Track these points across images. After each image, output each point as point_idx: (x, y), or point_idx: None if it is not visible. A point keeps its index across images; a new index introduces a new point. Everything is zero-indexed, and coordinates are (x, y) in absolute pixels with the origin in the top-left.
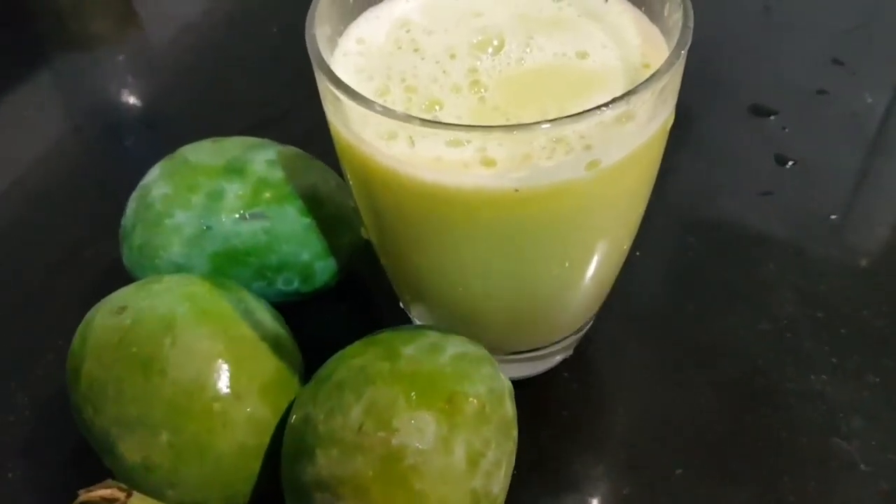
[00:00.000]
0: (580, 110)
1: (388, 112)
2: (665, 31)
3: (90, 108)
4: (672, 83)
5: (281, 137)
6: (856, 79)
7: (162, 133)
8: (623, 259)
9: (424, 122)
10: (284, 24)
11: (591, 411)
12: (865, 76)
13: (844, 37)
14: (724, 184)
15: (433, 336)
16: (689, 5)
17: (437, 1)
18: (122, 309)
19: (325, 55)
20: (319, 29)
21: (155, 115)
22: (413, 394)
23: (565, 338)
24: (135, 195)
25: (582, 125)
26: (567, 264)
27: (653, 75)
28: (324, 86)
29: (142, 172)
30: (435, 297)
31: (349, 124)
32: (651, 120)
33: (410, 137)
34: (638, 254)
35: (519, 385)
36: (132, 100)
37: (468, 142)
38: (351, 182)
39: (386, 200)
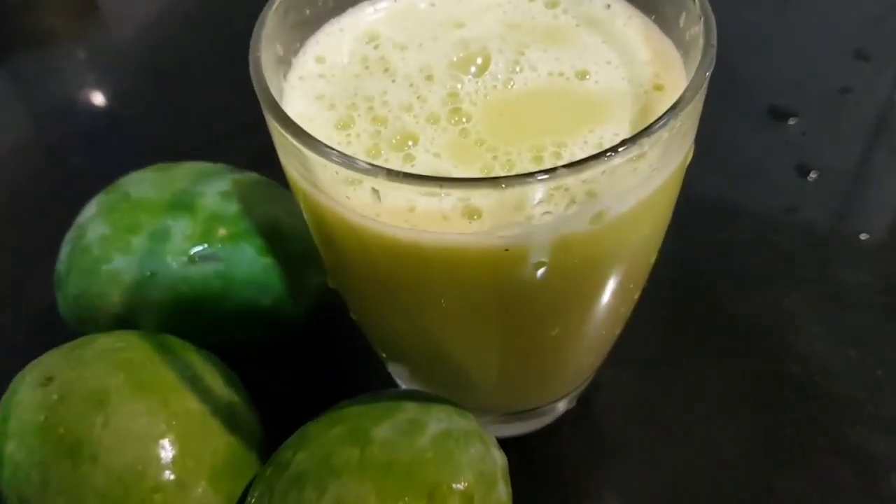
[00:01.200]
0: (583, 153)
1: (347, 161)
2: (681, 45)
3: (41, 114)
4: (693, 114)
5: (245, 149)
6: (883, 75)
7: (116, 144)
8: (633, 306)
9: (392, 174)
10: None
11: (596, 470)
12: (894, 71)
13: (869, 26)
14: (741, 201)
15: (411, 410)
16: (711, 16)
17: (410, 9)
18: (49, 380)
19: (274, 82)
20: (267, 50)
21: (110, 124)
22: (387, 489)
23: (567, 393)
24: (69, 236)
25: (586, 174)
26: (568, 323)
27: (671, 109)
28: (272, 124)
29: (93, 192)
30: (415, 359)
31: (304, 170)
32: (668, 159)
33: (375, 189)
34: (646, 288)
35: (515, 442)
36: (86, 107)
37: (447, 194)
38: (312, 233)
39: (352, 256)
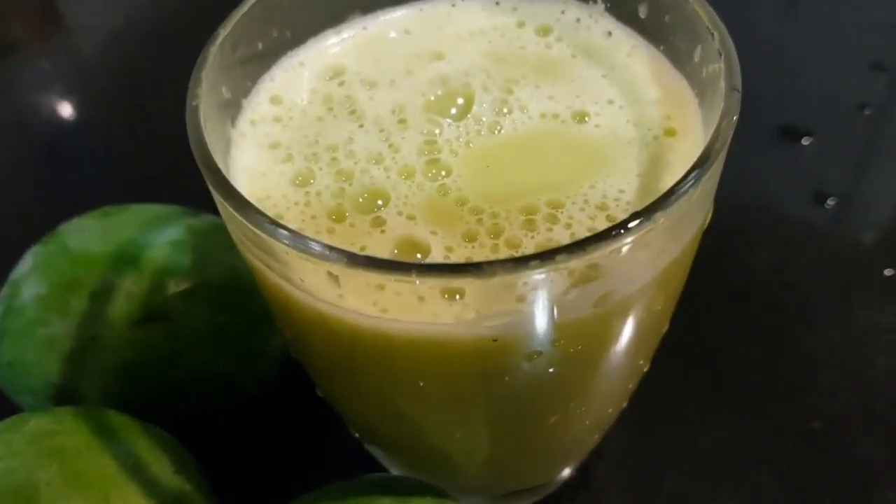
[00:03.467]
0: (583, 215)
1: (297, 242)
2: (695, 83)
3: None
4: (717, 172)
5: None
6: None
7: (71, 169)
8: (639, 378)
9: (352, 259)
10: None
11: None
12: None
13: (885, 36)
14: (752, 231)
15: None
16: (733, 53)
17: (380, 38)
18: None
19: (219, 130)
20: (210, 95)
21: (66, 146)
22: None
23: (566, 468)
24: (2, 295)
25: (590, 256)
26: (568, 409)
27: (693, 170)
28: (212, 190)
29: (40, 228)
30: (392, 444)
31: (252, 245)
32: (685, 227)
33: (334, 273)
34: None
35: None
36: (44, 124)
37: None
38: (271, 311)
39: (312, 340)
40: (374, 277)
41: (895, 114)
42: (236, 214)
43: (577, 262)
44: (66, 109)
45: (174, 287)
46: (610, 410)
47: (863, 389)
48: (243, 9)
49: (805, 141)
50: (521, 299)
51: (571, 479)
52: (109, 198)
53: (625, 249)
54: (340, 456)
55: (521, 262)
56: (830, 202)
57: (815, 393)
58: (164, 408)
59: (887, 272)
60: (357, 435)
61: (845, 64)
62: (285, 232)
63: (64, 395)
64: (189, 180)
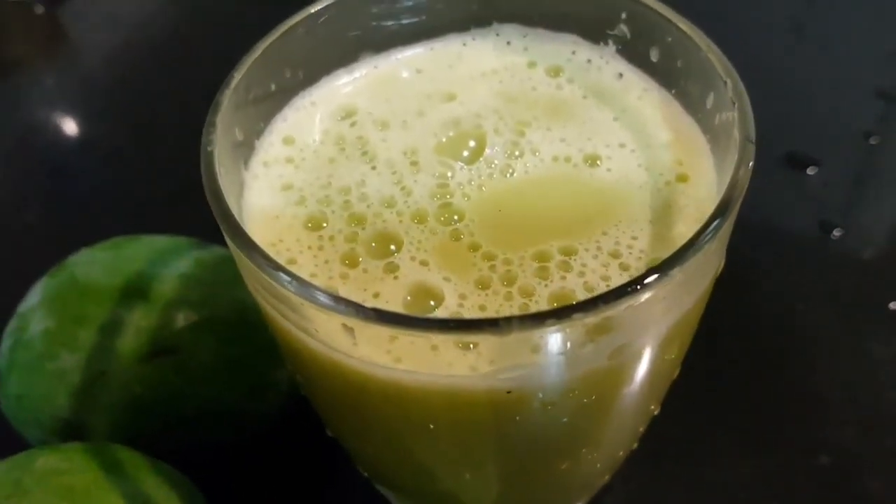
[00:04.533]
0: (596, 262)
1: (310, 295)
2: (707, 129)
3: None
4: (728, 227)
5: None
6: None
7: (76, 193)
8: (650, 420)
9: (363, 312)
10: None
11: None
12: None
13: (890, 63)
14: (755, 264)
15: None
16: (747, 103)
17: (391, 77)
18: None
19: (232, 171)
20: (224, 138)
21: (72, 168)
22: None
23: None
24: (10, 328)
25: (607, 312)
26: (580, 455)
27: (708, 225)
28: (226, 236)
29: (50, 253)
30: (401, 485)
31: (265, 292)
32: (700, 278)
33: (346, 326)
34: None
35: None
36: (50, 144)
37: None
38: (281, 354)
39: (325, 388)
40: (387, 331)
41: None
42: (251, 263)
43: (593, 318)
44: (71, 127)
45: (183, 321)
46: (620, 453)
47: (870, 423)
48: (257, 51)
49: (811, 170)
50: (536, 352)
51: None
52: (116, 219)
53: (641, 304)
54: (349, 493)
55: (538, 319)
56: (837, 233)
57: (822, 427)
58: (173, 441)
59: (892, 305)
60: (366, 474)
61: (851, 92)
62: (300, 284)
63: (72, 430)
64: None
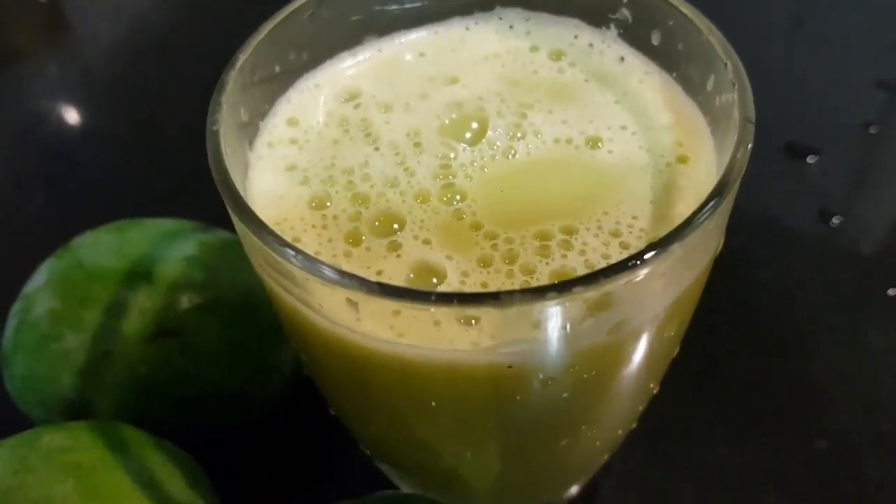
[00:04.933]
0: (597, 241)
1: (317, 269)
2: (708, 111)
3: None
4: (730, 203)
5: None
6: None
7: (80, 179)
8: (649, 400)
9: (367, 285)
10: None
11: None
12: None
13: (889, 54)
14: (757, 250)
15: None
16: (747, 84)
17: (395, 61)
18: None
19: (238, 152)
20: (229, 119)
21: (74, 156)
22: None
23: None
24: (15, 308)
25: (606, 287)
26: (579, 433)
27: (708, 202)
28: (231, 214)
29: (54, 240)
30: (403, 463)
31: (270, 268)
32: (699, 256)
33: (350, 300)
34: None
35: None
36: (52, 133)
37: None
38: (285, 332)
39: (328, 362)
40: (391, 305)
41: None
42: (257, 240)
43: (593, 293)
44: (73, 117)
45: (187, 302)
46: (619, 432)
47: (868, 409)
48: (262, 33)
49: (811, 159)
50: (536, 326)
51: (579, 496)
52: (119, 206)
53: (640, 279)
54: (351, 472)
55: (539, 293)
56: (836, 221)
57: (821, 412)
58: (176, 422)
59: (891, 292)
60: (368, 452)
61: (850, 83)
62: (305, 259)
63: (76, 409)
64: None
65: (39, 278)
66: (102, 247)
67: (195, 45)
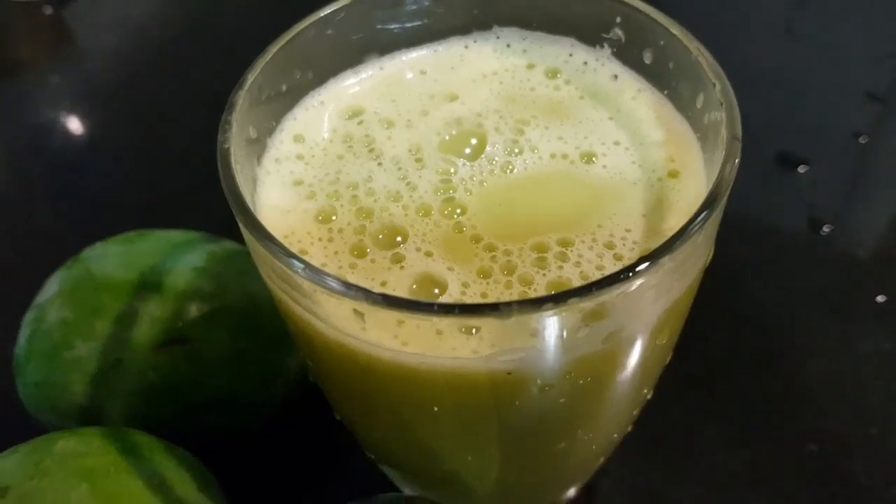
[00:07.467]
0: (592, 253)
1: (324, 282)
2: (698, 128)
3: (9, 151)
4: (719, 216)
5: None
6: (895, 117)
7: (86, 192)
8: (643, 405)
9: (378, 299)
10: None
11: None
12: None
13: (878, 66)
14: (747, 260)
15: None
16: (734, 104)
17: (396, 78)
18: (4, 491)
19: (246, 168)
20: (238, 138)
21: (80, 167)
22: None
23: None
24: (28, 318)
25: (601, 298)
26: (576, 436)
27: (697, 216)
28: (242, 228)
29: (63, 250)
30: (406, 466)
31: (278, 279)
32: (690, 266)
33: (355, 310)
34: None
35: None
36: (57, 145)
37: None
38: (293, 339)
39: (333, 369)
40: (395, 315)
41: (889, 142)
42: (266, 253)
43: (588, 303)
44: (78, 128)
45: (195, 311)
46: (615, 436)
47: (857, 412)
48: (270, 53)
49: (801, 169)
50: (534, 335)
51: (577, 498)
52: (124, 217)
53: (633, 290)
54: (355, 476)
55: (536, 304)
56: (826, 229)
57: (811, 416)
58: (185, 427)
59: (880, 298)
60: (372, 457)
61: (841, 94)
62: (312, 271)
63: (88, 415)
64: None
65: (51, 288)
66: (112, 258)
67: (198, 56)
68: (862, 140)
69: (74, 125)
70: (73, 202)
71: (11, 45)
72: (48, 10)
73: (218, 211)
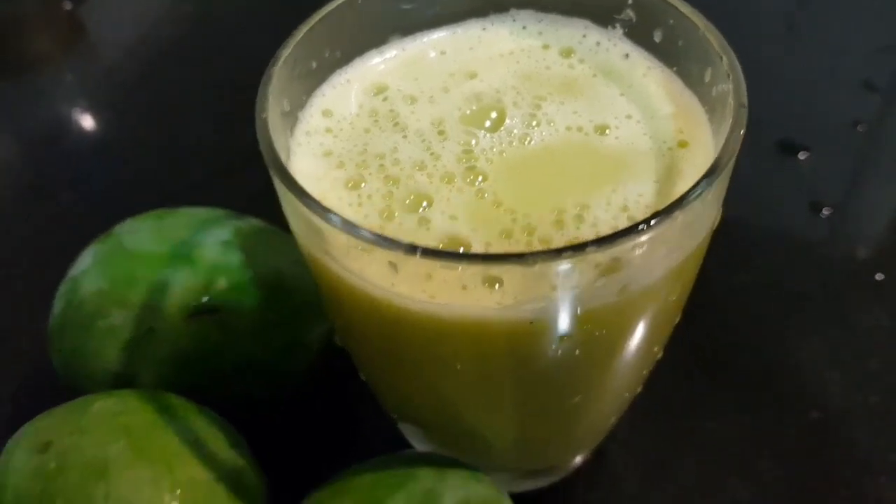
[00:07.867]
0: (607, 215)
1: (353, 231)
2: (706, 101)
3: (28, 143)
4: (726, 178)
5: (244, 185)
6: (893, 106)
7: (108, 177)
8: (654, 364)
9: (411, 250)
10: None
11: None
12: None
13: (877, 57)
14: (752, 239)
15: (426, 479)
16: (741, 74)
17: (419, 58)
18: (46, 446)
19: (281, 139)
20: (274, 109)
21: (100, 155)
22: None
23: (584, 450)
24: (63, 289)
25: (616, 249)
26: (590, 390)
27: (706, 176)
28: (280, 188)
29: (84, 236)
30: (428, 423)
31: (314, 237)
32: (699, 226)
33: (392, 262)
34: None
35: (529, 498)
36: (76, 136)
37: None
38: (320, 294)
39: (363, 323)
40: (427, 265)
41: (886, 130)
42: (305, 209)
43: (605, 255)
44: (95, 121)
45: (224, 283)
46: (626, 394)
47: (857, 383)
48: (301, 32)
49: (802, 155)
50: (554, 287)
51: (587, 461)
52: (141, 206)
53: (646, 244)
54: (374, 437)
55: (557, 253)
56: (825, 212)
57: (814, 387)
58: (215, 393)
59: (878, 276)
60: (395, 415)
61: (840, 83)
62: (348, 225)
63: (121, 382)
64: (219, 186)
65: (85, 261)
66: (143, 232)
67: (212, 48)
68: (860, 128)
69: (91, 118)
70: (90, 193)
71: (27, 41)
72: (67, 6)
73: (232, 200)
